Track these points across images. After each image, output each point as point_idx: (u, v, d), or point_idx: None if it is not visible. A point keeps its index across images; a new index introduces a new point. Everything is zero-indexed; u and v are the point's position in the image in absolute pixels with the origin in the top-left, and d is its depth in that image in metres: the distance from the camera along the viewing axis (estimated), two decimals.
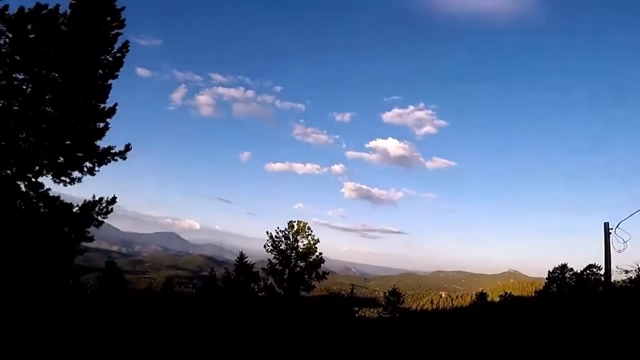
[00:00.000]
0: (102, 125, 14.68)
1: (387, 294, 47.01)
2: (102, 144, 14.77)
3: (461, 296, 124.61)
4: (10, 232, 12.83)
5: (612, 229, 13.43)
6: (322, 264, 31.87)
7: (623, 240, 13.10)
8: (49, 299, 14.34)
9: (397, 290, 46.82)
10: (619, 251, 13.31)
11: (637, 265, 18.41)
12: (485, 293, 50.44)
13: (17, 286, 12.78)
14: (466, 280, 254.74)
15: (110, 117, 14.90)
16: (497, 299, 49.87)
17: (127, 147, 14.97)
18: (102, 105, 14.86)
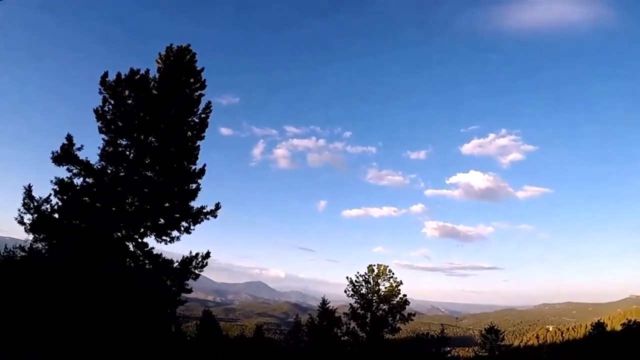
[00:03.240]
0: (194, 186, 16.12)
1: (483, 332, 43.08)
2: (195, 203, 16.17)
3: (573, 328, 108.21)
4: (119, 287, 14.56)
5: None
6: (406, 306, 30.95)
7: None
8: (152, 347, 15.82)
9: (495, 326, 42.69)
10: None
11: None
12: (603, 322, 43.55)
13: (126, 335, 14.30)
14: (577, 311, 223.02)
15: (200, 178, 16.29)
16: (618, 328, 42.89)
17: (217, 206, 16.19)
18: (193, 167, 16.26)
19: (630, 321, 42.81)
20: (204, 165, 16.50)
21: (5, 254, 14.33)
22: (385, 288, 31.15)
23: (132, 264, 15.58)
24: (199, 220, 16.10)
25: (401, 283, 31.15)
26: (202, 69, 16.91)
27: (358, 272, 32.09)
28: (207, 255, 16.16)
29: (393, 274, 31.50)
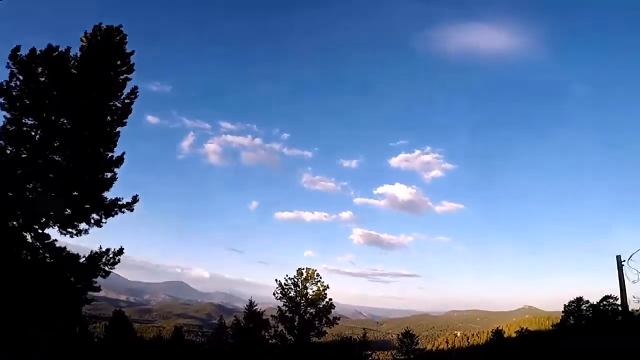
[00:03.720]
0: (109, 175, 14.71)
1: (400, 336, 45.48)
2: (109, 194, 14.79)
3: (477, 334, 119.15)
4: (14, 281, 12.80)
5: (624, 261, 13.80)
6: (332, 310, 31.51)
7: (637, 271, 13.48)
8: (54, 348, 14.16)
9: (411, 331, 45.31)
10: (634, 282, 13.62)
11: None
12: (502, 330, 48.73)
13: (21, 335, 12.62)
14: (481, 318, 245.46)
15: (118, 167, 14.92)
16: (514, 335, 48.13)
17: (135, 199, 14.98)
18: (110, 154, 14.88)
19: (523, 329, 48.66)
20: (123, 153, 15.22)
21: None
22: (313, 292, 31.44)
23: (30, 257, 13.81)
24: (113, 212, 14.76)
25: (328, 287, 31.66)
26: (132, 52, 15.66)
27: (287, 275, 32.08)
28: (120, 251, 14.84)
29: (321, 278, 31.94)
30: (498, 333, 46.56)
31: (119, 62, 15.39)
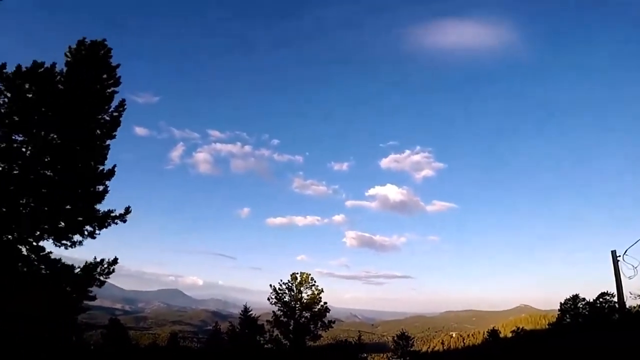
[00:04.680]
0: (101, 188, 14.88)
1: (395, 338, 45.78)
2: (101, 207, 14.93)
3: (473, 334, 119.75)
4: (11, 293, 12.90)
5: (619, 256, 13.38)
6: (327, 313, 31.72)
7: (633, 266, 13.06)
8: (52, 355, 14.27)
9: (406, 333, 45.62)
10: (630, 278, 13.22)
11: None
12: (497, 330, 49.06)
13: (18, 344, 12.73)
14: (477, 318, 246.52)
15: (109, 179, 15.11)
16: (509, 335, 48.51)
17: (127, 210, 15.16)
18: (101, 167, 15.05)
19: (519, 328, 48.79)
20: (114, 166, 15.36)
21: None
22: (308, 296, 31.64)
23: (25, 269, 13.92)
24: (106, 224, 14.90)
25: (322, 291, 31.85)
26: (118, 65, 15.82)
27: (281, 280, 32.28)
28: (114, 261, 15.04)
29: (315, 282, 32.14)
30: (494, 333, 46.93)
31: (105, 76, 15.54)
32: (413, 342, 48.58)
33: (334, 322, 32.79)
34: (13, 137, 13.67)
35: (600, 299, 38.67)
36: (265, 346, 31.62)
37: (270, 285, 32.01)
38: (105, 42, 15.65)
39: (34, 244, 13.83)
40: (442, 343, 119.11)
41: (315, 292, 31.58)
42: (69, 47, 15.14)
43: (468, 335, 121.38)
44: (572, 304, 41.36)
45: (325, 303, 31.64)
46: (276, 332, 31.50)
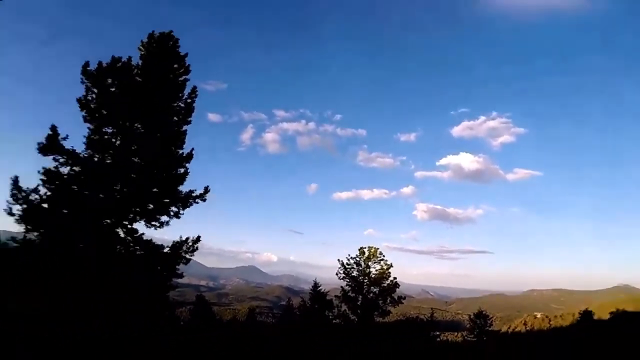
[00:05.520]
0: (182, 170, 16.10)
1: (472, 317, 43.96)
2: (183, 188, 16.15)
3: (560, 316, 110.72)
4: (113, 273, 14.70)
5: None
6: (397, 289, 31.14)
7: None
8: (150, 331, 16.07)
9: (484, 312, 43.50)
10: None
11: None
12: (591, 311, 44.27)
13: (122, 320, 14.48)
14: (565, 298, 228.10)
15: (188, 162, 16.29)
16: (606, 317, 43.68)
17: (206, 190, 16.28)
18: (180, 152, 16.27)
19: (618, 310, 43.36)
20: (192, 149, 16.48)
21: None
22: (376, 271, 31.25)
23: (123, 250, 15.58)
24: (188, 204, 16.09)
25: (391, 266, 31.21)
26: (186, 54, 16.75)
27: (349, 255, 32.11)
28: (197, 239, 16.17)
29: (384, 256, 31.57)
30: (587, 314, 42.54)
31: (175, 65, 16.56)
32: (492, 321, 46.16)
33: (404, 298, 32.24)
34: (103, 130, 15.23)
35: None
36: (334, 321, 32.24)
37: (339, 260, 32.06)
38: (172, 33, 16.63)
39: (129, 226, 15.40)
40: (525, 324, 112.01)
41: (384, 267, 31.07)
42: (141, 41, 16.39)
43: (555, 317, 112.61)
44: None
45: (395, 278, 31.06)
46: (344, 307, 31.65)
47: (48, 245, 13.95)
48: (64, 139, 14.38)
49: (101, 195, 14.64)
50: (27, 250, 13.83)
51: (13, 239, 14.25)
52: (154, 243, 15.79)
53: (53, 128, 14.29)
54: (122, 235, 15.46)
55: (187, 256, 16.22)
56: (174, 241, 15.99)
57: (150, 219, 15.62)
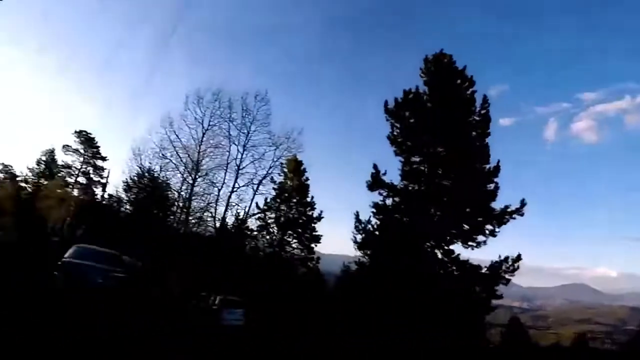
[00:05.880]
0: (491, 186, 15.35)
1: None
2: (496, 205, 15.34)
3: None
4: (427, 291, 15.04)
5: None
6: None
7: None
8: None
9: None
10: None
11: None
12: None
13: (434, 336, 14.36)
14: None
15: (496, 176, 15.43)
16: None
17: (523, 203, 14.89)
18: (486, 166, 15.62)
19: None
20: (498, 161, 15.56)
21: (343, 268, 18.49)
22: None
23: (442, 271, 16.10)
24: (504, 220, 15.10)
25: None
26: (464, 68, 16.44)
27: None
28: (518, 258, 14.98)
29: None
30: None
31: (459, 81, 16.36)
32: None
33: None
34: (412, 160, 16.53)
35: None
36: None
37: None
38: (444, 52, 16.80)
39: (446, 247, 15.75)
40: None
41: None
42: (420, 69, 17.16)
43: None
44: None
45: None
46: None
47: (375, 266, 16.12)
48: (384, 174, 16.43)
49: (420, 221, 15.60)
50: (360, 271, 16.56)
51: (355, 262, 17.41)
52: (471, 263, 15.55)
53: (375, 167, 16.53)
54: (439, 256, 15.99)
55: (507, 276, 15.10)
56: (492, 261, 15.19)
57: (467, 239, 15.48)
